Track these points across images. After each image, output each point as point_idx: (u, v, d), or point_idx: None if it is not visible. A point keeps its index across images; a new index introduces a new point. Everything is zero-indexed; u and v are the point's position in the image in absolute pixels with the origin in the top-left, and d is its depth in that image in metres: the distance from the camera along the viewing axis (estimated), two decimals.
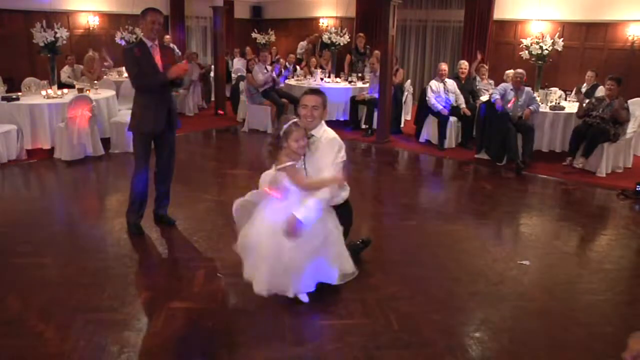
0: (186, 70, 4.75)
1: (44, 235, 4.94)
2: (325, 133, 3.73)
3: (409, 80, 11.24)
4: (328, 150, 3.64)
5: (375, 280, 4.01)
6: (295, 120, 3.54)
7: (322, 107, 3.71)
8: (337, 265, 3.67)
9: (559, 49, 8.91)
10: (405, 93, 10.34)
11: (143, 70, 4.58)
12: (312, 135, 3.67)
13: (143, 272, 4.37)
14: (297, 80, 11.12)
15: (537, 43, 8.74)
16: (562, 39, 8.96)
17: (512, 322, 3.66)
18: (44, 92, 7.92)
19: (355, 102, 9.86)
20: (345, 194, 3.94)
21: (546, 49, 8.70)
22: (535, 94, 8.50)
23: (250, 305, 3.67)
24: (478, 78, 9.53)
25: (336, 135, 3.77)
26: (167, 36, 12.99)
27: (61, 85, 9.05)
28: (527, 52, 8.98)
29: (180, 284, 4.07)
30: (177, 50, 12.20)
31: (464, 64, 8.88)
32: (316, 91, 3.81)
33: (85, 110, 7.27)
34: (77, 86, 8.25)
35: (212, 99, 12.06)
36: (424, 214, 5.82)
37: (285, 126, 3.46)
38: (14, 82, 9.45)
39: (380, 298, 3.87)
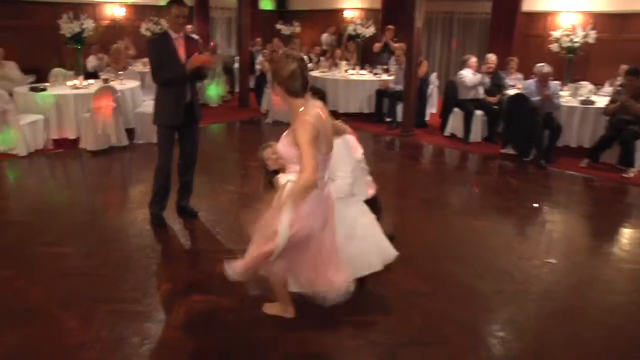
0: (205, 60, 4.70)
1: (67, 225, 5.00)
2: None
3: (435, 73, 11.08)
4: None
5: (396, 276, 3.93)
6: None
7: None
8: (374, 256, 3.58)
9: (591, 42, 8.66)
10: (431, 86, 10.19)
11: (165, 63, 4.56)
12: None
13: (165, 263, 4.38)
14: (322, 72, 11.03)
15: (568, 35, 8.51)
16: (594, 30, 8.70)
17: (537, 322, 3.58)
18: (70, 83, 8.00)
19: (380, 94, 9.75)
20: (372, 191, 3.88)
21: (577, 42, 8.46)
22: (565, 88, 8.30)
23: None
24: (502, 73, 9.28)
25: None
26: (189, 26, 12.97)
27: (88, 75, 9.14)
28: (556, 45, 8.75)
29: (201, 277, 4.08)
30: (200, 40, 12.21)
31: (493, 57, 8.63)
32: None
33: (110, 100, 7.31)
34: (102, 77, 8.30)
35: (236, 90, 12.06)
36: (447, 208, 5.74)
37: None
38: (41, 73, 9.55)
39: (402, 294, 3.82)
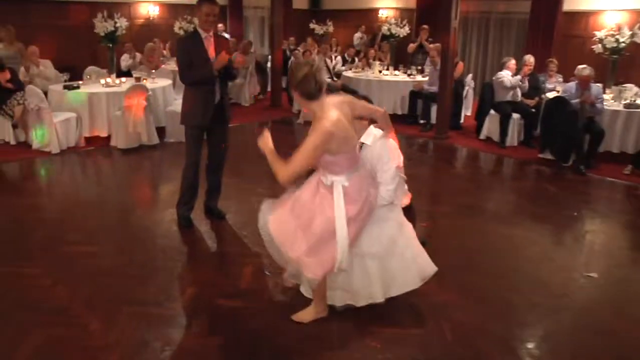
0: (226, 59, 4.57)
1: (96, 224, 4.98)
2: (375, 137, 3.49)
3: (470, 75, 10.82)
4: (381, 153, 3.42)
5: (428, 286, 3.72)
6: None
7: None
8: (412, 274, 3.43)
9: (638, 41, 8.27)
10: (466, 88, 9.95)
11: (194, 62, 4.49)
12: (363, 144, 3.46)
13: (190, 266, 4.32)
14: (355, 72, 10.90)
15: (613, 35, 8.15)
16: None
17: (575, 340, 3.38)
18: (103, 81, 8.05)
19: (414, 96, 9.56)
20: (407, 200, 3.71)
21: (623, 42, 8.09)
22: (608, 91, 7.97)
23: (298, 307, 3.51)
24: (542, 77, 8.96)
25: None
26: (220, 25, 13.00)
27: (121, 74, 9.21)
28: (600, 45, 8.40)
29: (226, 281, 3.98)
30: (229, 38, 12.19)
31: (531, 59, 8.33)
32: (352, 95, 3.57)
33: (141, 99, 7.32)
34: (134, 75, 8.34)
35: (269, 89, 12.01)
36: (482, 215, 5.52)
37: None
38: (77, 71, 9.67)
39: (433, 306, 3.66)
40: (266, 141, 3.04)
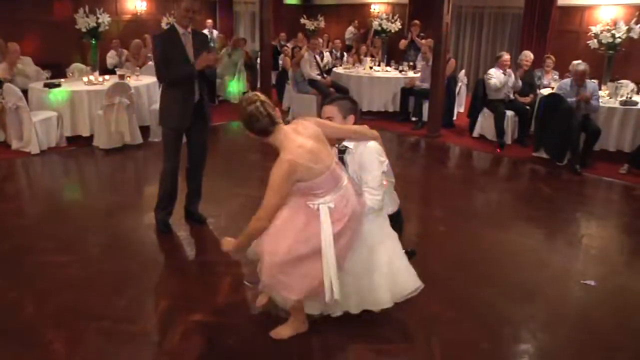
0: (213, 60, 4.36)
1: (69, 231, 4.74)
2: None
3: (463, 71, 10.60)
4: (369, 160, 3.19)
5: (417, 298, 3.49)
6: None
7: (341, 115, 3.22)
8: (388, 286, 3.19)
9: (635, 37, 8.08)
10: (459, 84, 9.73)
11: (171, 60, 4.27)
12: (346, 147, 3.22)
13: (166, 276, 4.10)
14: (345, 68, 10.66)
15: (609, 31, 7.95)
16: (639, 25, 8.11)
17: (573, 355, 3.17)
18: (85, 79, 7.79)
19: (405, 93, 9.34)
20: (393, 207, 3.49)
21: (619, 37, 7.89)
22: (603, 88, 7.77)
23: (278, 322, 3.29)
24: (538, 73, 8.76)
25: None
26: (209, 20, 12.75)
27: (106, 71, 8.95)
28: (595, 41, 8.20)
29: (203, 293, 3.74)
30: (216, 34, 11.94)
31: (529, 55, 8.08)
32: (332, 100, 3.32)
33: (124, 97, 7.06)
34: (118, 72, 8.07)
35: (258, 86, 11.76)
36: (475, 219, 5.30)
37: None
38: (63, 68, 9.39)
39: (422, 319, 3.44)
40: (228, 244, 3.03)
